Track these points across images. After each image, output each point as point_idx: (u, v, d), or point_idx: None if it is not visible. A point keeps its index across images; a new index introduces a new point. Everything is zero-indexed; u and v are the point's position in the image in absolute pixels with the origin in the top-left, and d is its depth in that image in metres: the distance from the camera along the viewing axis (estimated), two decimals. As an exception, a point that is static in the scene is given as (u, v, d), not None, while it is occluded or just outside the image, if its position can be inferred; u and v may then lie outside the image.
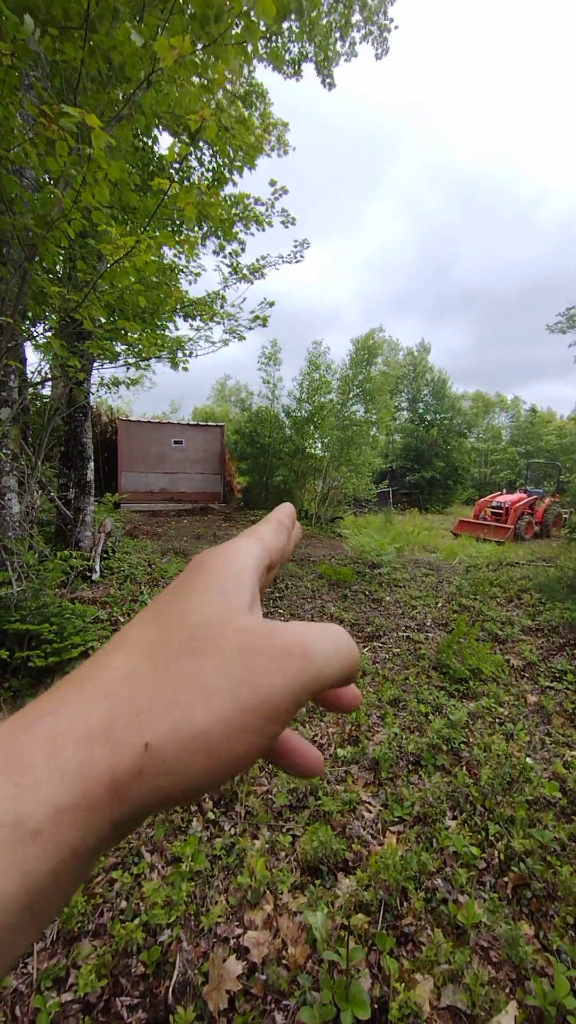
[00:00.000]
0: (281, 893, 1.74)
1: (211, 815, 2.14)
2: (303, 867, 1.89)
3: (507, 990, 1.46)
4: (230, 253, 6.68)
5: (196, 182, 5.62)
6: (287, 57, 6.54)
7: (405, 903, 1.72)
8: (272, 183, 5.80)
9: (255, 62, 6.29)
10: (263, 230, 6.49)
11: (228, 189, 6.76)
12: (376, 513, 17.28)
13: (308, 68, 6.91)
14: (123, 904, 1.68)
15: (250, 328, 5.41)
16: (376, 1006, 1.38)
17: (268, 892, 1.75)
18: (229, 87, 5.03)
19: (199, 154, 6.15)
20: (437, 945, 1.53)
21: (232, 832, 2.05)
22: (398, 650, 4.08)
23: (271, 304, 5.55)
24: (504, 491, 16.39)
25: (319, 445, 15.43)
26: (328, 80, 6.97)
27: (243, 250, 6.63)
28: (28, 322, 3.77)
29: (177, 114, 3.22)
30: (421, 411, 29.93)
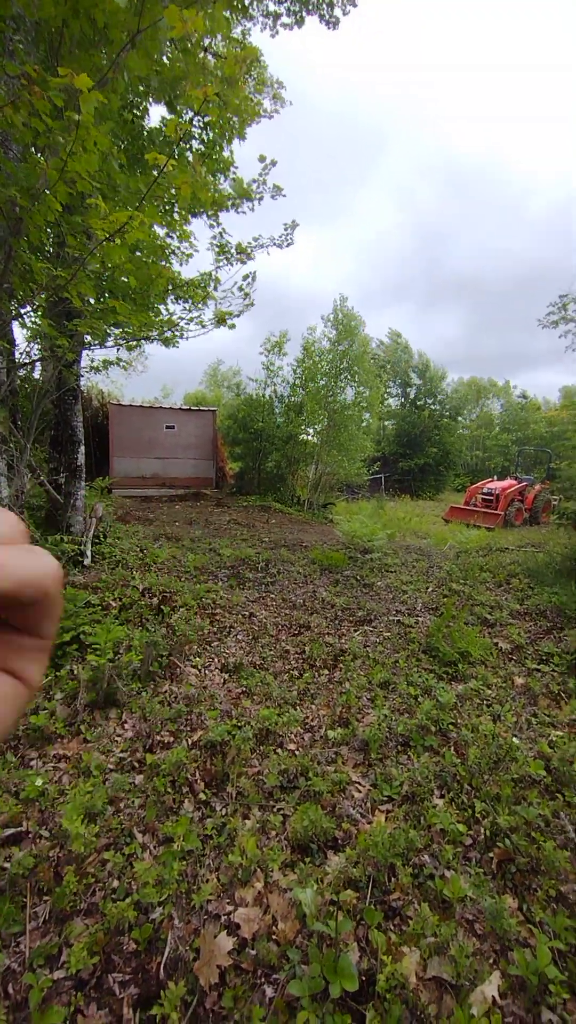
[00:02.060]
0: (271, 871, 1.77)
1: (203, 796, 2.16)
2: (293, 846, 1.92)
3: (491, 961, 1.50)
4: (219, 233, 6.54)
5: (191, 160, 5.46)
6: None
7: (393, 879, 1.76)
8: (262, 158, 5.65)
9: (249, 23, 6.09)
10: (252, 209, 6.34)
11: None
12: (368, 499, 17.31)
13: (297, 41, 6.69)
14: (115, 883, 1.70)
15: (239, 313, 5.32)
16: (364, 978, 1.41)
17: (259, 870, 1.78)
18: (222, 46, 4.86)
19: (193, 128, 5.97)
20: (424, 919, 1.57)
21: (223, 812, 2.07)
22: (388, 634, 4.11)
23: (246, 277, 5.45)
24: (495, 478, 16.48)
25: (311, 431, 15.39)
26: (332, 20, 6.73)
27: (227, 233, 6.50)
28: (15, 301, 3.66)
29: (165, 79, 3.10)
30: (412, 396, 29.81)
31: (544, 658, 3.70)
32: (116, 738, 2.53)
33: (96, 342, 4.87)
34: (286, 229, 6.18)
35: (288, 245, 6.25)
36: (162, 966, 1.45)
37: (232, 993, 1.38)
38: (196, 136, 6.01)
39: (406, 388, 30.20)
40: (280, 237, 6.17)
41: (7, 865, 1.72)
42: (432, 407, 28.88)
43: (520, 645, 3.93)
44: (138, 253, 3.62)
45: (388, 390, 29.74)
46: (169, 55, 3.39)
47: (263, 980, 1.42)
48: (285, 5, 6.23)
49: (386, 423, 29.71)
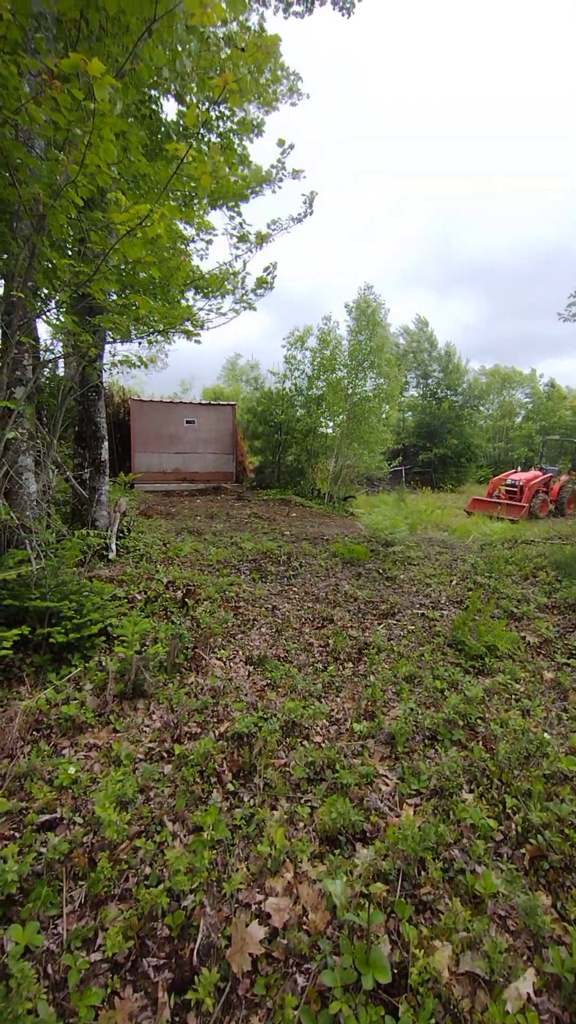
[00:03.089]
0: (300, 862, 1.78)
1: (231, 787, 2.18)
2: (321, 837, 1.92)
3: (525, 958, 1.48)
4: (239, 224, 6.51)
5: (209, 151, 5.44)
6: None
7: (423, 873, 1.75)
8: (280, 142, 5.59)
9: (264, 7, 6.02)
10: (274, 191, 6.29)
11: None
12: (389, 492, 17.15)
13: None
14: (147, 870, 1.73)
15: (258, 295, 5.28)
16: (396, 971, 1.41)
17: (288, 861, 1.79)
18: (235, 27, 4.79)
19: (212, 122, 5.94)
20: (455, 913, 1.55)
21: (251, 803, 2.09)
22: (413, 627, 4.08)
23: (274, 266, 5.41)
24: (519, 469, 16.14)
25: (331, 424, 15.30)
26: (346, 7, 6.62)
27: (247, 224, 6.47)
28: (39, 299, 3.72)
29: (182, 73, 3.08)
30: (432, 386, 29.33)
31: (574, 652, 3.62)
32: (145, 728, 2.57)
33: (118, 337, 4.91)
34: (305, 201, 6.09)
35: (310, 214, 6.14)
36: (195, 952, 1.47)
37: (264, 981, 1.40)
38: (215, 129, 5.98)
39: (426, 379, 29.74)
40: (300, 214, 6.08)
41: (43, 850, 1.77)
42: (453, 398, 28.40)
43: (548, 639, 3.85)
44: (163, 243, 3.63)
45: (408, 381, 29.34)
46: (184, 43, 3.36)
47: (295, 969, 1.43)
48: None
49: (406, 414, 29.34)
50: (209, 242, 5.62)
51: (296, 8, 6.62)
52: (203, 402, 16.30)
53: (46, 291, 3.57)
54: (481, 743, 2.52)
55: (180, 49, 2.92)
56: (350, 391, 14.59)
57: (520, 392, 34.86)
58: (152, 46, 2.83)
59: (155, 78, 4.42)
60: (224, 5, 2.56)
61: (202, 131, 5.69)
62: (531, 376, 34.72)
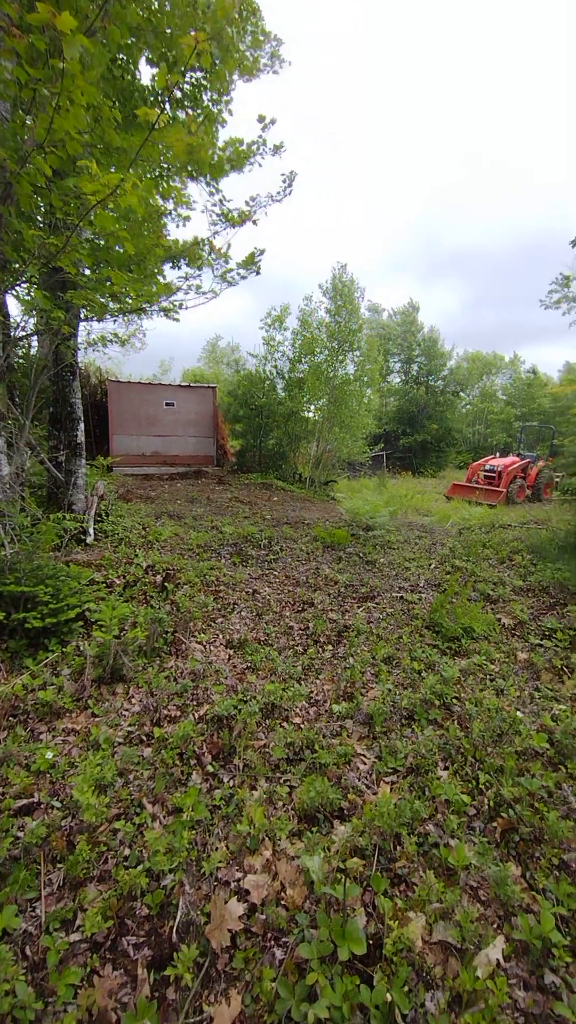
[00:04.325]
0: (279, 840, 1.81)
1: (210, 768, 2.19)
2: (300, 815, 1.95)
3: (495, 926, 1.53)
4: (219, 200, 6.32)
5: (186, 119, 5.22)
6: None
7: (398, 847, 1.79)
8: (261, 118, 5.41)
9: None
10: (251, 169, 6.10)
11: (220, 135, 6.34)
12: (370, 477, 17.23)
13: None
14: (126, 852, 1.73)
15: (243, 276, 5.16)
16: (371, 942, 1.45)
17: (267, 839, 1.81)
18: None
19: (186, 86, 5.70)
20: (429, 885, 1.60)
21: (231, 784, 2.11)
22: (392, 610, 4.13)
23: (262, 252, 5.28)
24: (497, 455, 16.37)
25: (312, 408, 15.22)
26: None
27: (227, 200, 6.27)
28: (8, 272, 3.56)
29: (159, 31, 2.93)
30: (415, 373, 29.38)
31: (547, 633, 3.72)
32: (124, 712, 2.56)
33: (93, 315, 4.76)
34: (284, 181, 5.95)
35: (288, 195, 6.00)
36: (174, 930, 1.49)
37: (243, 955, 1.42)
38: (187, 93, 5.73)
39: (409, 363, 29.75)
40: (279, 193, 5.94)
41: (21, 835, 1.76)
42: (433, 383, 28.51)
43: (523, 621, 3.95)
44: (136, 216, 3.49)
45: (391, 367, 29.31)
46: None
47: (273, 943, 1.46)
48: None
49: (388, 400, 29.39)
50: (187, 218, 5.43)
51: None
52: (183, 384, 16.01)
53: (17, 266, 3.42)
54: (456, 722, 2.58)
55: (155, 6, 2.76)
56: (331, 374, 14.50)
57: (501, 377, 35.18)
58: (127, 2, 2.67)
59: (130, 40, 4.21)
60: None
61: (179, 95, 5.44)
62: (513, 361, 35.03)
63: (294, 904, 1.57)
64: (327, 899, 1.56)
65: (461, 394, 30.27)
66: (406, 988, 1.32)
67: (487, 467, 14.24)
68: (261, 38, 5.82)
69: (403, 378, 30.10)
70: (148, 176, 5.19)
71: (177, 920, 1.51)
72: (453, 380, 29.57)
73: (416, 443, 27.20)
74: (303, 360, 14.53)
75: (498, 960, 1.40)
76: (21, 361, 6.34)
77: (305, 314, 14.68)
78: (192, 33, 2.12)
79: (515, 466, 13.86)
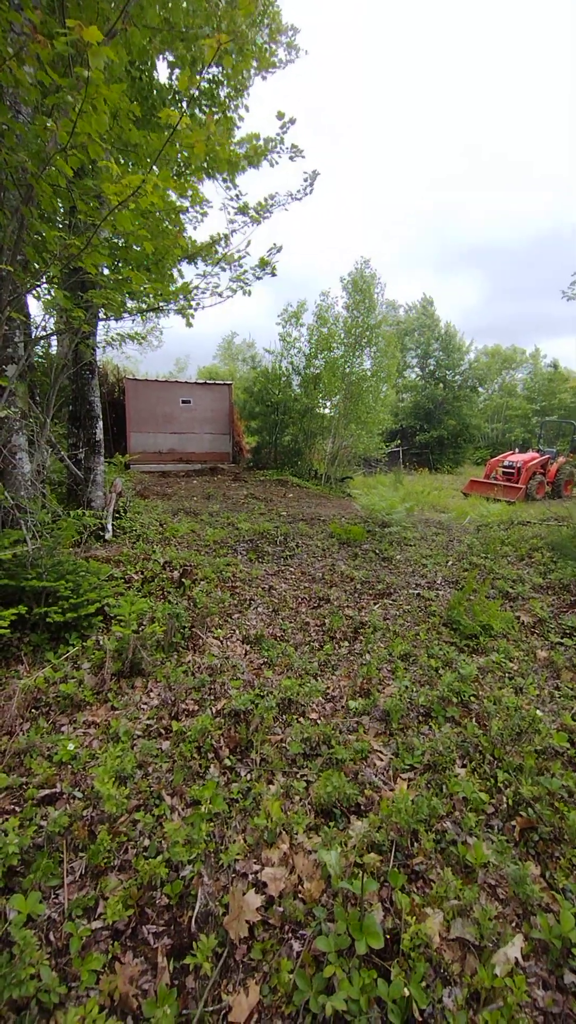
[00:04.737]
0: (296, 834, 1.82)
1: (227, 762, 2.21)
2: (317, 810, 1.96)
3: (514, 924, 1.52)
4: (235, 196, 6.32)
5: (205, 119, 5.23)
6: None
7: (416, 844, 1.79)
8: (280, 115, 5.38)
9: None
10: (272, 165, 6.09)
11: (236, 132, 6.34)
12: (386, 473, 17.13)
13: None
14: (146, 842, 1.76)
15: (258, 278, 5.16)
16: (388, 937, 1.45)
17: (284, 833, 1.82)
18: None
19: (203, 84, 5.70)
20: (447, 882, 1.60)
21: (248, 778, 2.12)
22: (408, 607, 4.11)
23: (278, 249, 5.26)
24: (516, 450, 16.11)
25: (328, 404, 15.18)
26: None
27: (243, 195, 6.27)
28: (29, 273, 3.62)
29: (177, 30, 2.93)
30: (431, 368, 29.05)
31: (568, 632, 3.66)
32: (142, 706, 2.60)
33: (111, 314, 4.81)
34: (306, 179, 5.92)
35: (309, 193, 5.98)
36: (193, 920, 1.51)
37: (261, 947, 1.44)
38: (204, 91, 5.74)
39: (426, 358, 29.44)
40: (299, 190, 5.92)
41: (44, 823, 1.80)
42: (451, 378, 28.16)
43: (543, 619, 3.89)
44: (156, 215, 3.51)
45: (407, 363, 29.04)
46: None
47: (290, 936, 1.47)
48: None
49: (403, 395, 29.14)
50: (204, 214, 5.44)
51: None
52: (199, 381, 16.09)
53: (36, 265, 3.47)
54: (474, 720, 2.56)
55: (171, 5, 2.77)
56: (347, 369, 14.42)
57: (521, 372, 34.55)
58: (148, 4, 2.69)
59: (149, 40, 4.23)
60: None
61: (196, 93, 5.45)
62: (534, 355, 34.35)
63: (311, 897, 1.58)
64: (344, 893, 1.57)
65: (479, 389, 29.85)
66: (424, 983, 1.32)
67: (506, 463, 14.01)
68: (277, 33, 5.79)
69: (420, 373, 29.80)
70: (171, 175, 5.21)
71: (196, 910, 1.53)
72: (471, 375, 29.17)
73: (433, 439, 26.94)
74: (319, 356, 14.48)
75: (517, 958, 1.39)
76: (41, 360, 6.45)
77: (322, 309, 14.62)
78: (215, 35, 2.12)
79: (535, 462, 13.62)
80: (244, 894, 1.58)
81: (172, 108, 5.05)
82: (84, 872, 1.66)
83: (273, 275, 5.23)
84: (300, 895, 1.60)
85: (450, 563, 5.40)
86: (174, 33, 3.56)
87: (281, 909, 1.54)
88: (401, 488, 12.15)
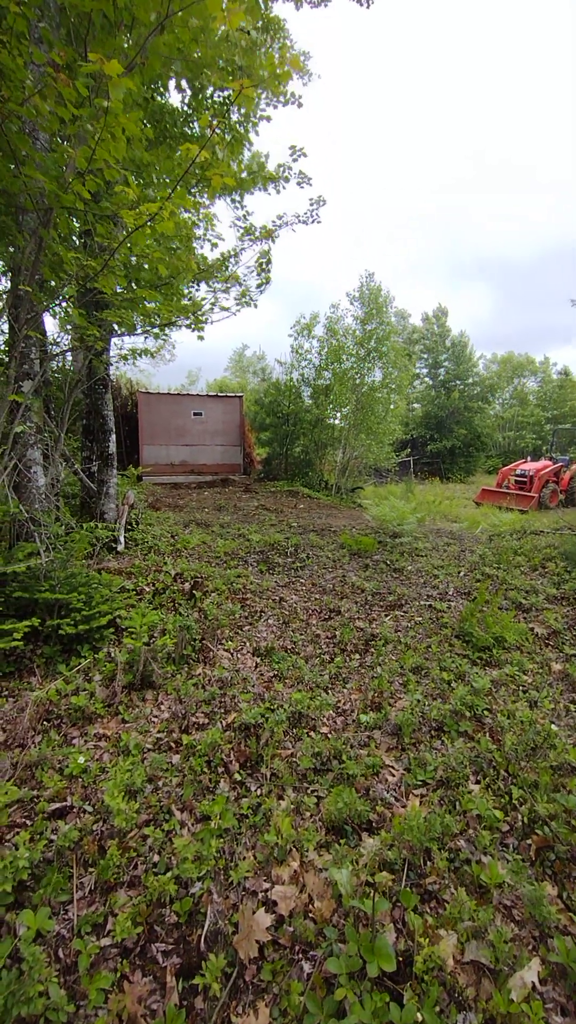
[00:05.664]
0: (307, 851, 1.80)
1: (238, 776, 2.20)
2: (328, 827, 1.94)
3: (530, 947, 1.48)
4: (243, 215, 6.44)
5: (222, 148, 5.38)
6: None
7: (429, 863, 1.76)
8: (292, 148, 5.53)
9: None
10: (279, 191, 6.22)
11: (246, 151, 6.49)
12: (397, 483, 17.07)
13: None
14: (155, 858, 1.76)
15: (261, 290, 5.26)
16: (401, 959, 1.42)
17: (294, 850, 1.80)
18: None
19: (216, 106, 5.84)
20: (461, 903, 1.56)
21: (258, 793, 2.11)
22: (420, 619, 4.07)
23: (264, 254, 5.38)
24: (528, 459, 15.97)
25: (338, 415, 15.24)
26: None
27: (250, 215, 6.40)
28: (46, 293, 3.72)
29: (191, 60, 3.03)
30: (442, 378, 29.02)
31: (583, 644, 3.60)
32: (153, 719, 2.60)
33: (125, 330, 4.91)
34: (312, 205, 6.04)
35: (315, 221, 6.10)
36: (203, 938, 1.49)
37: (271, 967, 1.42)
38: (216, 112, 5.88)
39: (436, 368, 29.44)
40: (305, 213, 6.03)
41: (54, 837, 1.80)
42: (462, 388, 28.10)
43: (557, 631, 3.83)
44: (171, 245, 3.60)
45: (418, 373, 29.09)
46: (196, 37, 3.29)
47: (301, 956, 1.45)
48: None
49: (414, 405, 29.13)
50: (220, 237, 5.58)
51: None
52: (211, 394, 16.28)
53: (53, 284, 3.57)
54: (488, 734, 2.52)
55: (192, 41, 2.86)
56: (358, 381, 14.49)
57: (532, 380, 34.37)
58: (165, 39, 2.79)
59: (164, 69, 4.36)
60: (246, 14, 2.52)
61: (215, 126, 5.62)
62: (544, 364, 34.19)
63: (322, 917, 1.56)
64: (355, 913, 1.55)
65: (490, 397, 29.72)
66: (437, 1008, 1.29)
67: (518, 472, 13.90)
68: (287, 58, 5.92)
69: (430, 383, 29.79)
70: (181, 189, 5.35)
71: (205, 929, 1.52)
72: (481, 384, 29.09)
73: (444, 448, 26.82)
74: (329, 367, 14.58)
75: (533, 983, 1.36)
76: (56, 375, 6.58)
77: (332, 321, 14.77)
78: (227, 66, 2.20)
79: (547, 470, 13.49)
80: (254, 913, 1.56)
81: (187, 130, 5.19)
82: (94, 887, 1.66)
83: (268, 283, 5.33)
84: (311, 914, 1.57)
85: (462, 574, 5.35)
86: (188, 63, 3.67)
87: (291, 929, 1.52)
88: (412, 498, 12.09)
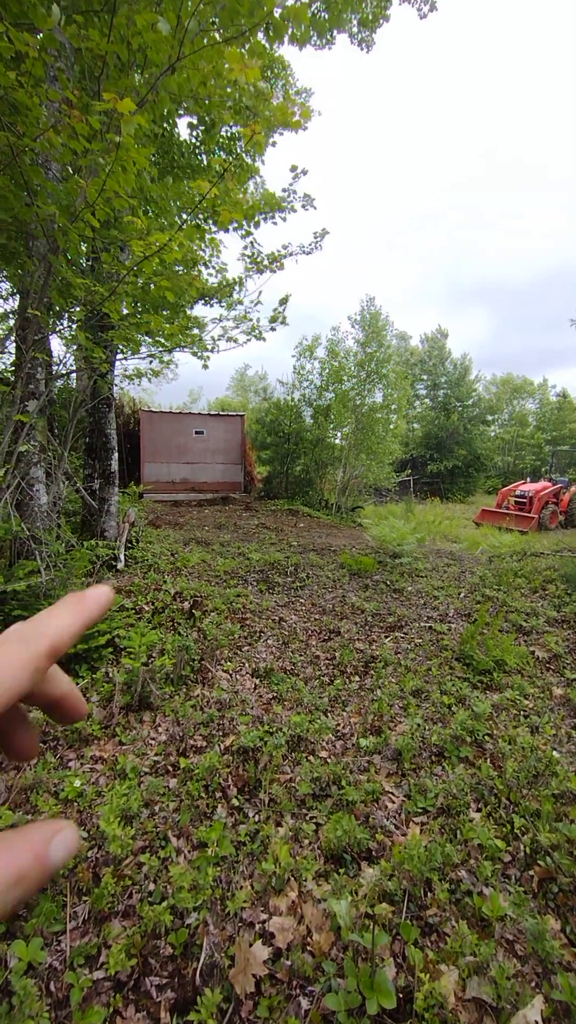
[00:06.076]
0: (305, 880, 1.76)
1: (235, 801, 2.17)
2: (326, 855, 1.90)
3: (533, 984, 1.45)
4: (249, 243, 6.62)
5: (229, 187, 5.57)
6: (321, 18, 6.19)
7: (429, 894, 1.72)
8: (293, 168, 5.69)
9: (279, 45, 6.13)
10: (285, 219, 6.40)
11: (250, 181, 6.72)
12: (397, 502, 17.12)
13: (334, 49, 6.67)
14: (151, 887, 1.72)
15: (272, 329, 5.39)
16: (401, 995, 1.39)
17: (292, 879, 1.77)
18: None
19: (223, 140, 6.06)
20: (462, 937, 1.53)
21: (256, 819, 2.08)
22: (420, 640, 4.05)
23: (284, 301, 5.52)
24: (528, 480, 16.04)
25: (339, 435, 15.39)
26: (364, 40, 6.69)
27: (257, 243, 6.59)
28: (53, 315, 3.80)
29: (200, 96, 3.16)
30: (442, 399, 29.36)
31: (584, 668, 3.57)
32: (150, 741, 2.57)
33: (129, 352, 5.00)
34: (315, 236, 6.22)
35: (318, 250, 6.28)
36: (198, 972, 1.46)
37: (268, 1003, 1.38)
38: (223, 145, 6.10)
39: (436, 390, 29.80)
40: (309, 244, 6.21)
41: (48, 864, 1.77)
42: (461, 410, 28.42)
43: (558, 654, 3.81)
44: (177, 268, 3.71)
45: (416, 392, 29.45)
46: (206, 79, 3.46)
47: (298, 992, 1.41)
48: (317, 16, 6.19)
49: (414, 425, 29.40)
50: (222, 270, 5.73)
51: (316, 40, 6.72)
52: (212, 413, 16.44)
53: (58, 307, 3.65)
54: (489, 760, 2.49)
55: (201, 84, 3.00)
56: (358, 401, 14.67)
57: (531, 402, 34.77)
58: (176, 80, 2.91)
59: (173, 106, 4.54)
60: (259, 66, 2.64)
61: (221, 153, 5.82)
62: (542, 386, 34.63)
63: (320, 950, 1.53)
64: (355, 946, 1.51)
65: (488, 418, 30.05)
66: (438, 1049, 1.26)
67: (518, 492, 13.96)
68: (291, 91, 6.17)
69: (430, 403, 30.12)
70: (192, 223, 5.53)
71: (201, 962, 1.49)
72: (480, 406, 29.42)
73: (444, 469, 26.97)
74: (330, 388, 14.78)
75: (537, 1022, 1.32)
76: (60, 394, 6.67)
77: (332, 343, 15.03)
78: (237, 104, 2.31)
79: (547, 491, 13.55)
80: (251, 945, 1.52)
81: (200, 174, 5.37)
82: (87, 917, 1.63)
83: (284, 323, 5.46)
84: (309, 947, 1.54)
85: (462, 595, 5.34)
86: (198, 101, 3.83)
87: (289, 963, 1.48)
88: (412, 518, 12.12)
